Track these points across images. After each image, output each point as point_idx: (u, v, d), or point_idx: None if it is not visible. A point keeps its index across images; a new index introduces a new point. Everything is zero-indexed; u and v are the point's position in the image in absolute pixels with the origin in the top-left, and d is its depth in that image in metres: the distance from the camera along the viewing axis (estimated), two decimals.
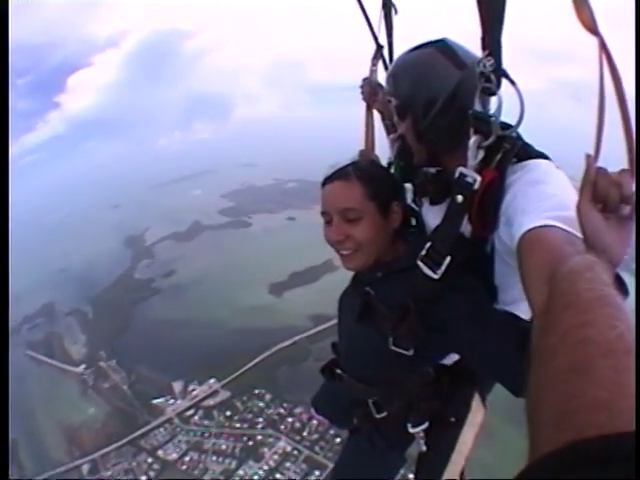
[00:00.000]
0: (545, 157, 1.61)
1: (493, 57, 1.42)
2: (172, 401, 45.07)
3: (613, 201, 1.09)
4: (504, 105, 1.48)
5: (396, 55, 2.27)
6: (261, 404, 42.65)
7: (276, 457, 37.59)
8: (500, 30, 1.40)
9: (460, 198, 1.53)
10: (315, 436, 38.18)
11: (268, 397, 43.09)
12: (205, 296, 65.53)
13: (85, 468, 39.40)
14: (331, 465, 29.27)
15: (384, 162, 2.28)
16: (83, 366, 52.52)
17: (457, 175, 1.54)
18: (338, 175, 1.87)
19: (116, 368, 51.09)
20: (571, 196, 1.27)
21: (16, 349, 52.75)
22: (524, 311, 1.51)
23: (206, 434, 41.41)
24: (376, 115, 2.68)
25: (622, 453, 0.46)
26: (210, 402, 44.50)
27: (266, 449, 38.50)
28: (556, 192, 1.40)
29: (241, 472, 36.89)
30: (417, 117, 1.76)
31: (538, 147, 1.65)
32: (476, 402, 2.03)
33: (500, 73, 1.45)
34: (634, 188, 1.08)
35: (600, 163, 1.13)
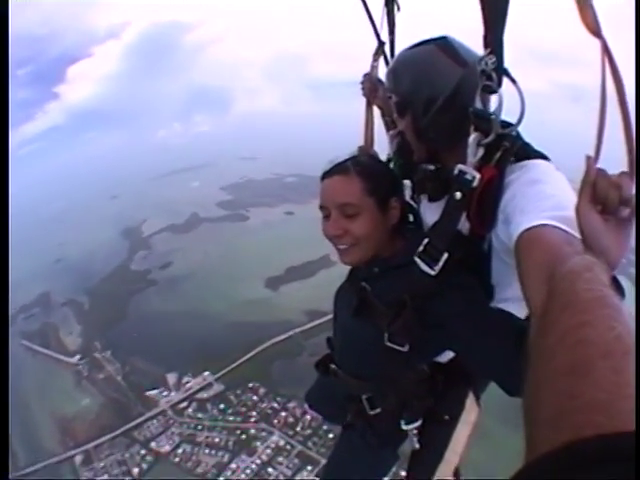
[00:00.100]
0: (544, 157, 1.61)
1: (495, 55, 1.42)
2: (166, 393, 44.99)
3: (612, 203, 1.09)
4: (504, 105, 1.48)
5: (397, 52, 2.27)
6: (255, 398, 42.62)
7: (269, 451, 37.59)
8: (502, 29, 1.40)
9: (459, 195, 1.54)
10: (308, 431, 38.22)
11: (262, 391, 43.06)
12: (201, 289, 65.43)
13: (78, 459, 39.35)
14: (324, 461, 29.43)
15: (383, 158, 2.28)
16: (78, 357, 52.48)
17: (456, 172, 1.54)
18: (337, 170, 1.87)
19: (111, 359, 51.00)
20: (570, 197, 1.28)
21: (12, 339, 52.39)
22: (520, 310, 1.52)
23: (199, 427, 41.41)
24: (376, 111, 2.68)
25: (620, 453, 0.46)
26: (204, 395, 44.47)
27: (259, 443, 38.52)
28: (555, 192, 1.40)
29: (233, 465, 36.89)
30: (417, 114, 1.76)
31: (538, 148, 1.65)
32: (470, 401, 2.03)
33: (501, 71, 1.45)
34: (634, 191, 1.08)
35: (600, 165, 1.13)
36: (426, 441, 2.05)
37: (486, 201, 1.53)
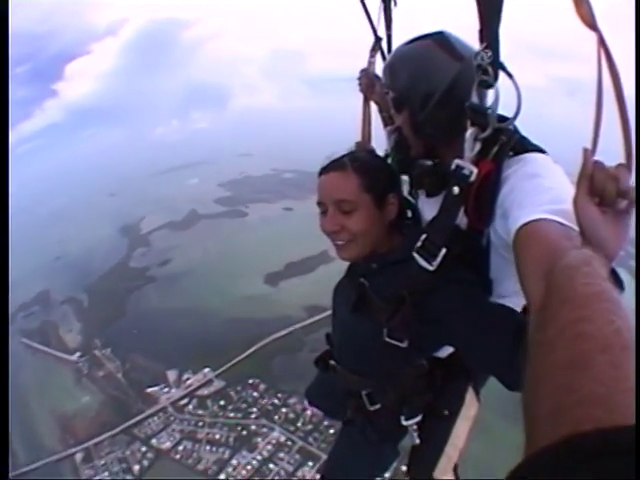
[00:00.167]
0: (542, 151, 1.61)
1: (491, 50, 1.41)
2: (166, 390, 45.00)
3: (610, 195, 1.09)
4: (501, 99, 1.48)
5: (394, 47, 2.26)
6: (255, 394, 42.66)
7: (270, 447, 37.63)
8: (498, 23, 1.39)
9: (456, 190, 1.53)
10: (309, 427, 38.27)
11: (262, 387, 43.09)
12: (200, 285, 65.36)
13: (78, 456, 39.38)
14: (325, 456, 29.44)
15: (381, 154, 2.27)
16: (78, 354, 52.48)
17: (454, 167, 1.54)
18: (334, 166, 1.86)
19: (110, 356, 50.96)
20: (568, 190, 1.27)
21: (11, 337, 52.47)
22: (519, 304, 1.51)
23: (200, 423, 41.44)
24: (373, 107, 2.67)
25: (619, 447, 0.46)
26: (204, 391, 44.48)
27: (260, 439, 38.57)
28: (553, 186, 1.40)
29: (234, 462, 36.92)
30: (414, 109, 1.76)
31: (535, 142, 1.65)
32: (470, 395, 2.03)
33: (498, 66, 1.44)
34: (632, 182, 1.08)
35: (597, 158, 1.13)
36: (426, 436, 2.06)
37: (484, 196, 1.53)
